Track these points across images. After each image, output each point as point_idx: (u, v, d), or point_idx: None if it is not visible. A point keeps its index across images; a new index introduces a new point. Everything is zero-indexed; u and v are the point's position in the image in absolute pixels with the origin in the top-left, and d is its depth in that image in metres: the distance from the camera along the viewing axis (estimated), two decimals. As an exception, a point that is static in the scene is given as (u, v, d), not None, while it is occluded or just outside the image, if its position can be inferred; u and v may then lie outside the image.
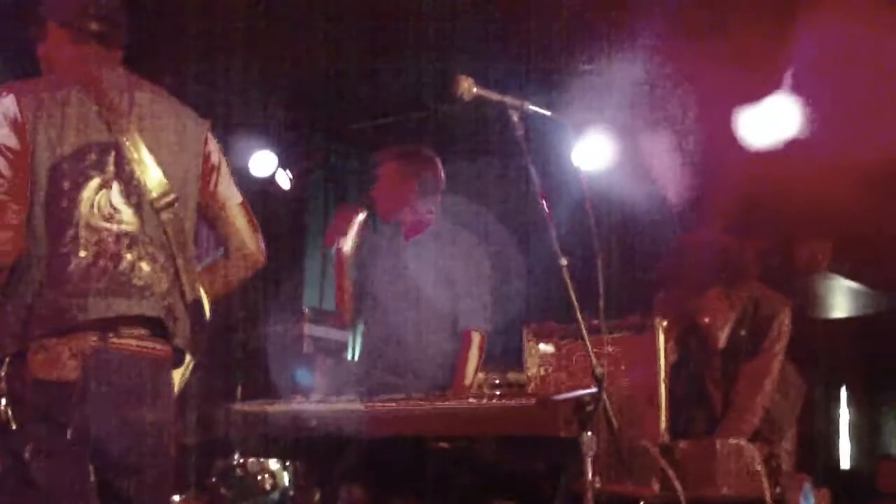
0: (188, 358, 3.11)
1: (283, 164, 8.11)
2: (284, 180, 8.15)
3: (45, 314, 2.83)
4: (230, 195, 3.22)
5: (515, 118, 3.22)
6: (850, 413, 7.32)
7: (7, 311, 2.84)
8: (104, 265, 2.90)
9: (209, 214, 3.20)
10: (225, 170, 3.22)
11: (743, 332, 4.74)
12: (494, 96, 3.24)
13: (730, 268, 4.65)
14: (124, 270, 2.93)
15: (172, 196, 3.03)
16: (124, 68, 3.14)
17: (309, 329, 7.45)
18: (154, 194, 3.00)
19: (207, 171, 3.18)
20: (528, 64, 6.68)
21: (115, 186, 2.95)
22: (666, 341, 3.97)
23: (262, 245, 3.26)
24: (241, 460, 5.37)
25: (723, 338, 4.77)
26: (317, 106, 8.01)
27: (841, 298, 7.17)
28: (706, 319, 4.70)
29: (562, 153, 5.16)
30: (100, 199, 2.93)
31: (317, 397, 3.80)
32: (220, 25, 6.38)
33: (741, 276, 4.69)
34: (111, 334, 2.89)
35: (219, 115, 7.07)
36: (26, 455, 2.77)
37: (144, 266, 2.97)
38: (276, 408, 3.81)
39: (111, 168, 2.95)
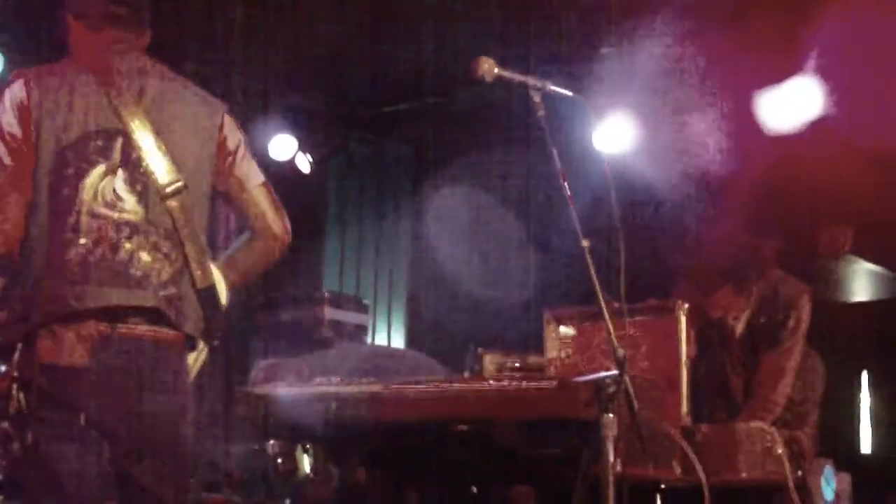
0: (201, 344, 3.09)
1: (304, 148, 8.10)
2: (305, 164, 8.13)
3: (44, 301, 2.83)
4: (251, 177, 3.18)
5: (537, 99, 3.20)
6: (871, 397, 7.29)
7: (12, 297, 2.86)
8: (102, 253, 2.89)
9: (231, 197, 3.17)
10: (244, 151, 3.18)
11: (763, 319, 4.71)
12: (516, 77, 3.22)
13: (741, 269, 4.62)
14: (122, 260, 2.91)
15: (180, 183, 2.99)
16: (141, 54, 3.10)
17: (328, 313, 7.46)
18: (161, 181, 2.97)
19: (224, 155, 3.14)
20: (548, 46, 6.65)
21: (120, 174, 2.93)
22: (687, 327, 3.95)
23: (288, 224, 3.23)
24: (261, 444, 5.38)
25: (739, 327, 4.74)
26: (336, 92, 8.00)
27: (862, 282, 7.14)
28: (718, 313, 4.68)
29: (583, 135, 5.13)
30: (103, 187, 2.91)
31: (336, 380, 3.79)
32: (242, 10, 6.38)
33: (754, 275, 4.66)
34: (119, 322, 2.88)
35: (239, 98, 7.09)
36: (32, 439, 2.78)
37: (144, 256, 2.94)
38: (296, 391, 3.81)
39: (117, 155, 2.94)
